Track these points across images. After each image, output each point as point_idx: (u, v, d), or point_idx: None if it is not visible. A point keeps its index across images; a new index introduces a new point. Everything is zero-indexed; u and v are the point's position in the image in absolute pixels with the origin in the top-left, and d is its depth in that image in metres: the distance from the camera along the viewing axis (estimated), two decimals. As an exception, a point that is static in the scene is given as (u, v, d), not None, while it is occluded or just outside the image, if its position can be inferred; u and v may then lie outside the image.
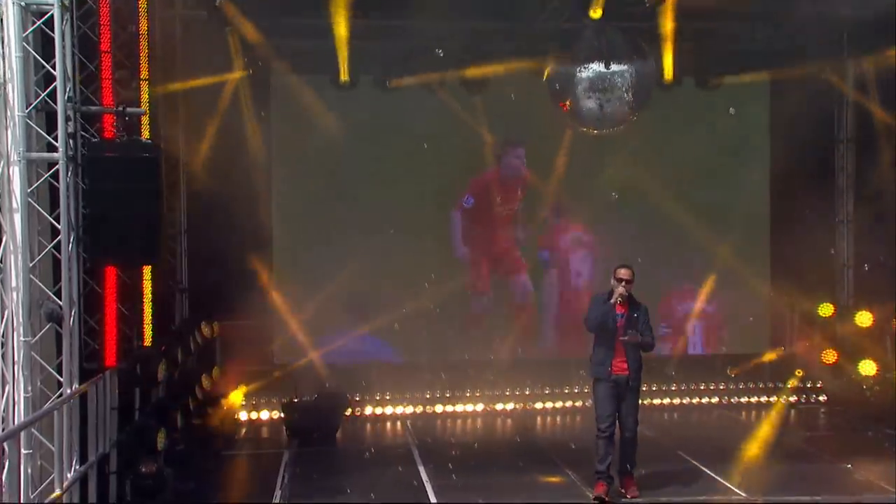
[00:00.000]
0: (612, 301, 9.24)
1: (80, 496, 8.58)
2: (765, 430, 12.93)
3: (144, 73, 10.27)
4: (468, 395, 14.06)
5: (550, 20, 11.78)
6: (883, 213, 14.08)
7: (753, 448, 11.54)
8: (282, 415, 12.83)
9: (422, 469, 10.78)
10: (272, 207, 14.07)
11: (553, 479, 10.40)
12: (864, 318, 14.29)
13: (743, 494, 9.60)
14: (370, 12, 12.33)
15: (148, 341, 10.36)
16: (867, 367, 14.04)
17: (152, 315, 10.41)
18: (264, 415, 13.45)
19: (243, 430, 13.09)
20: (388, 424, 13.51)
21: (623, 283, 9.22)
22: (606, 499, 9.37)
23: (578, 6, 10.97)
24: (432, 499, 9.68)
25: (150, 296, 10.47)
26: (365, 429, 13.28)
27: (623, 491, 9.47)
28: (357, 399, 13.65)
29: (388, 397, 13.90)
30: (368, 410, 13.72)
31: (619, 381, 9.39)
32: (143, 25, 10.21)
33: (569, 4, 11.19)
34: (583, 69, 10.95)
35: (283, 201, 14.17)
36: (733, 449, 11.39)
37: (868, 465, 10.51)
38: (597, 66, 10.83)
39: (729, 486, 9.89)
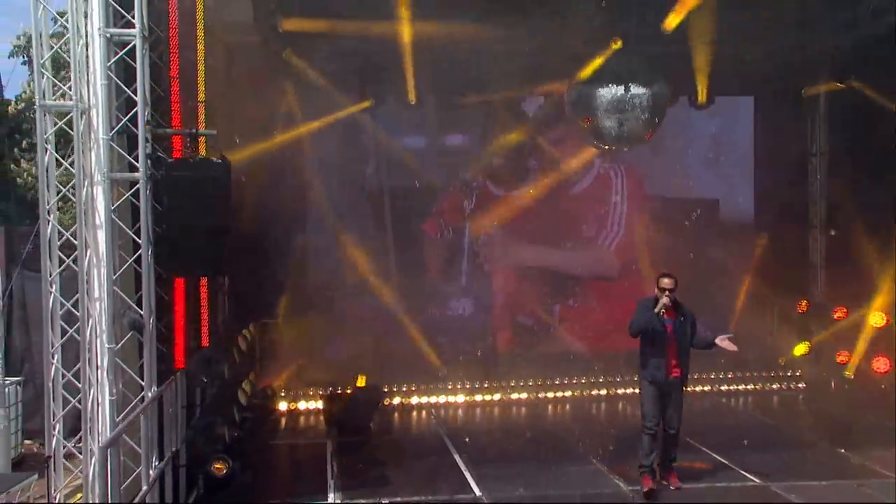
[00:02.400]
0: (657, 310, 9.12)
1: (158, 489, 8.47)
2: (759, 416, 13.06)
3: (202, 96, 10.11)
4: (486, 385, 13.97)
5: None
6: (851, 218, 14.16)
7: (756, 434, 11.62)
8: (321, 406, 12.73)
9: (457, 458, 10.70)
10: (311, 209, 13.93)
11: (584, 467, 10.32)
12: (839, 313, 14.44)
13: (757, 480, 9.66)
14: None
15: (206, 342, 10.25)
16: (842, 358, 14.18)
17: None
18: (301, 405, 13.31)
19: (286, 421, 12.94)
20: (414, 414, 13.41)
21: (666, 293, 9.12)
22: (655, 490, 9.27)
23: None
24: (475, 488, 9.60)
25: (206, 300, 10.36)
26: (394, 419, 13.16)
27: (666, 483, 9.43)
28: (386, 390, 13.50)
29: (413, 388, 13.76)
30: (396, 401, 13.59)
31: (672, 382, 9.29)
32: (201, 51, 10.07)
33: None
34: (603, 89, 10.85)
35: (322, 202, 13.98)
36: (737, 435, 11.46)
37: (860, 451, 10.57)
38: (616, 89, 10.75)
39: (743, 472, 9.92)
